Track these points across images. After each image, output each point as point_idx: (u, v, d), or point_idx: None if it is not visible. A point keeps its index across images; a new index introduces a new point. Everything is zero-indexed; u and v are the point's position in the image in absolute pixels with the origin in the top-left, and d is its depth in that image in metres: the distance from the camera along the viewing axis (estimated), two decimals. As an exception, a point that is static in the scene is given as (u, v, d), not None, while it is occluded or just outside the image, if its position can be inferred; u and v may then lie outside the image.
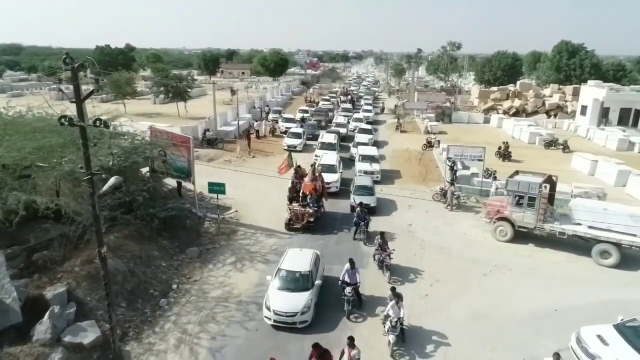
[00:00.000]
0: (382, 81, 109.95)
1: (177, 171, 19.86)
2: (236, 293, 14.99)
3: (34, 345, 10.82)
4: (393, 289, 13.16)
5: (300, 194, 20.04)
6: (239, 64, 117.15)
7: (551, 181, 19.06)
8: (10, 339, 10.90)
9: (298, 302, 13.09)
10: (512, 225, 19.13)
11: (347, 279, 14.07)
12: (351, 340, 10.75)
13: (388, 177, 28.13)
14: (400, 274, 16.42)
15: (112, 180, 9.89)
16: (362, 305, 14.39)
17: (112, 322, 11.36)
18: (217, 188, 19.54)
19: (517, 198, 18.78)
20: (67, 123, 9.20)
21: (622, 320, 12.06)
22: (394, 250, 16.27)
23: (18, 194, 12.12)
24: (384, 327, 12.56)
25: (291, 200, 20.24)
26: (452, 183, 23.40)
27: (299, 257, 14.86)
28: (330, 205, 22.54)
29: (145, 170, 19.96)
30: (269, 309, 13.05)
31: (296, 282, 13.87)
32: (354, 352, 10.54)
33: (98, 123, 10.09)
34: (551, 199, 19.11)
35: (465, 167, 27.24)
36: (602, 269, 17.36)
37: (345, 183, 25.35)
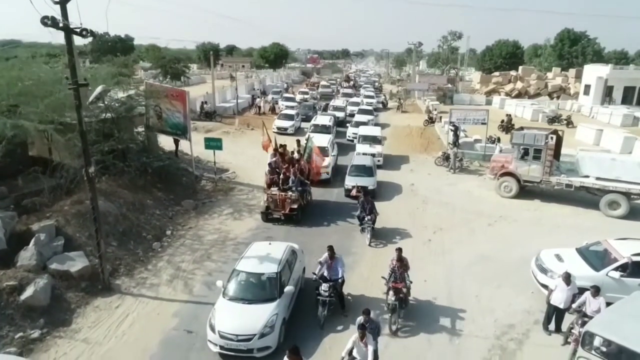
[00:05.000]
0: (382, 74, 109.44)
1: (172, 127, 19.30)
2: (232, 236, 14.51)
3: (17, 270, 10.33)
4: (366, 312, 8.29)
5: (281, 177, 16.27)
6: (239, 58, 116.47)
7: (557, 135, 18.53)
8: (-7, 265, 10.41)
9: (256, 318, 9.02)
10: (517, 180, 18.59)
11: (324, 273, 10.51)
12: (293, 352, 6.93)
13: (388, 147, 27.44)
14: (401, 225, 15.86)
15: (98, 89, 9.41)
16: (344, 309, 10.47)
17: (100, 250, 10.88)
18: (214, 143, 19.08)
19: (522, 151, 18.24)
20: (49, 22, 8.70)
21: (587, 243, 12.09)
22: (411, 282, 10.46)
23: (4, 118, 11.59)
24: None
25: (269, 184, 16.30)
26: (454, 144, 22.87)
27: (264, 254, 10.60)
28: (321, 194, 18.82)
29: (140, 129, 19.50)
30: (212, 329, 8.97)
31: (256, 289, 9.76)
32: None
33: (84, 33, 9.64)
34: (557, 154, 18.60)
35: (467, 137, 26.69)
36: (611, 219, 16.83)
37: (341, 170, 21.68)
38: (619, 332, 7.57)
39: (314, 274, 10.52)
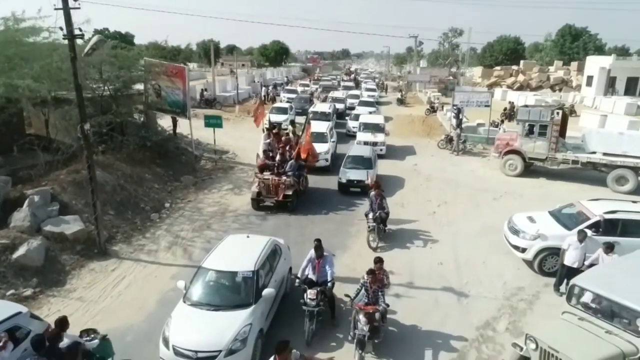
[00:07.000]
0: (383, 72, 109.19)
1: (171, 105, 18.95)
2: (232, 208, 14.20)
3: (10, 230, 10.02)
4: None
5: (277, 160, 14.81)
6: (240, 57, 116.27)
7: (563, 112, 18.24)
8: (-15, 226, 10.10)
9: (223, 329, 7.05)
10: (522, 157, 18.26)
11: (309, 274, 8.51)
12: (283, 345, 5.60)
13: (391, 136, 26.75)
14: (403, 200, 15.54)
15: (94, 39, 9.10)
16: (334, 319, 8.48)
17: (95, 212, 10.55)
18: (214, 121, 18.80)
19: (528, 128, 17.91)
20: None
21: (559, 206, 11.93)
22: (388, 306, 7.77)
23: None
24: None
25: (262, 169, 14.72)
26: (457, 126, 22.56)
27: (239, 249, 8.81)
28: (320, 182, 17.32)
29: (140, 108, 19.22)
30: (166, 342, 7.04)
31: (226, 292, 7.90)
32: None
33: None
34: (562, 131, 18.29)
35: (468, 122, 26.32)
36: (619, 195, 16.41)
37: (340, 158, 19.02)
38: (606, 286, 7.08)
39: (297, 278, 8.53)
